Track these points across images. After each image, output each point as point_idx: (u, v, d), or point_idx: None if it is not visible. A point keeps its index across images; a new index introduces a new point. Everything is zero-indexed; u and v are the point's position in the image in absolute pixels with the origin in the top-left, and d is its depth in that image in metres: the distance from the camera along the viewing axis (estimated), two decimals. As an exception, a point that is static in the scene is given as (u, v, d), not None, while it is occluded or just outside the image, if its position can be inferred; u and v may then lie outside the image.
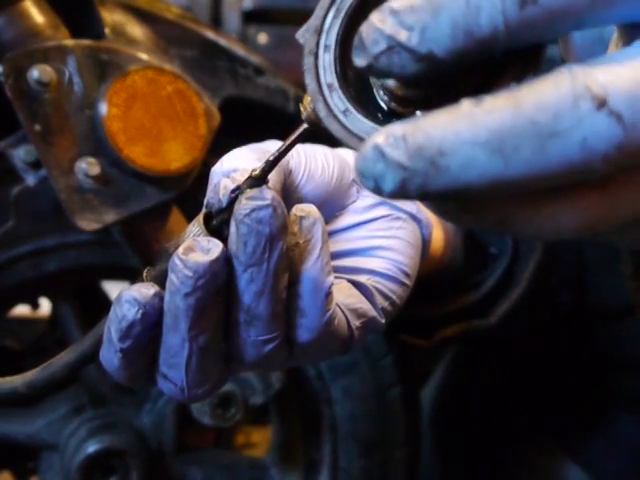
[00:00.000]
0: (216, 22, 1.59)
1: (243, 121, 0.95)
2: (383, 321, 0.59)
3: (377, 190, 0.36)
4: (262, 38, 1.61)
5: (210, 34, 0.90)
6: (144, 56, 0.83)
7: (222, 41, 0.91)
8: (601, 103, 0.33)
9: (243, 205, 0.48)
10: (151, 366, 0.53)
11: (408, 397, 1.01)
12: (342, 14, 0.40)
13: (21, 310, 1.24)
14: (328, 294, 0.52)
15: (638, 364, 0.92)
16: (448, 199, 0.37)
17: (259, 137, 1.00)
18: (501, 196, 0.37)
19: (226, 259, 0.49)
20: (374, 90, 0.41)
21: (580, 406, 1.00)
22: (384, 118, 0.39)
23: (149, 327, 0.50)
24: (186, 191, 0.86)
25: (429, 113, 0.35)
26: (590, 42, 0.43)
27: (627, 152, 0.34)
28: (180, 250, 0.48)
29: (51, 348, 1.16)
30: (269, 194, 0.48)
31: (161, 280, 0.51)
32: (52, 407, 0.98)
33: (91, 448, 0.96)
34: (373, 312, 0.58)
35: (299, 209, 0.52)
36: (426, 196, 0.36)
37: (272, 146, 0.58)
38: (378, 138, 0.35)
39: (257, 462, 1.10)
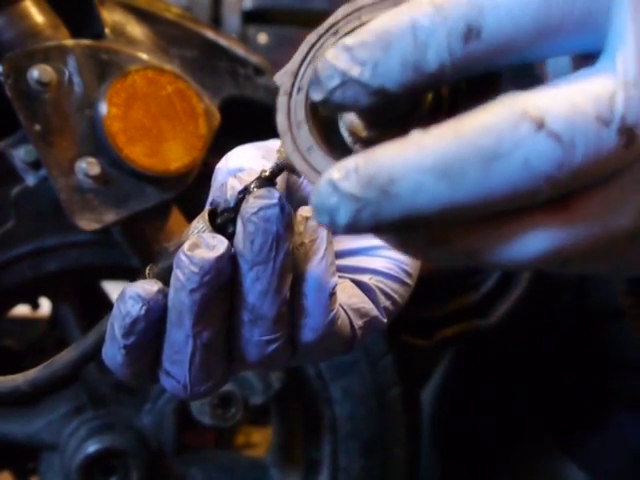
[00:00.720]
0: (216, 22, 1.59)
1: (243, 121, 0.95)
2: (385, 320, 0.59)
3: (332, 224, 0.37)
4: (262, 38, 1.61)
5: (210, 34, 0.90)
6: (144, 56, 0.83)
7: (222, 41, 0.91)
8: (540, 124, 0.35)
9: (251, 204, 0.48)
10: (154, 363, 0.53)
11: (408, 397, 1.01)
12: (317, 60, 0.42)
13: (21, 310, 1.24)
14: (332, 294, 0.53)
15: (638, 364, 0.92)
16: (403, 229, 0.38)
17: (259, 137, 1.00)
18: (459, 223, 0.38)
19: (231, 257, 0.49)
20: (341, 132, 0.43)
21: (580, 406, 1.00)
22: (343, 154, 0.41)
23: (153, 323, 0.51)
24: (186, 191, 0.86)
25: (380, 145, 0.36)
26: (560, 69, 0.45)
27: (569, 171, 0.35)
28: (186, 246, 0.48)
29: (51, 348, 1.16)
30: (276, 194, 0.48)
31: (163, 278, 0.51)
32: (52, 407, 0.98)
33: (91, 448, 0.96)
34: (375, 312, 0.58)
35: (305, 210, 0.53)
36: (380, 226, 0.36)
37: (275, 144, 0.58)
38: (332, 172, 0.36)
39: (257, 462, 1.10)
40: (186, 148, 0.84)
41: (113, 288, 1.26)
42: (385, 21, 0.37)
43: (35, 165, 0.85)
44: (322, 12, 1.59)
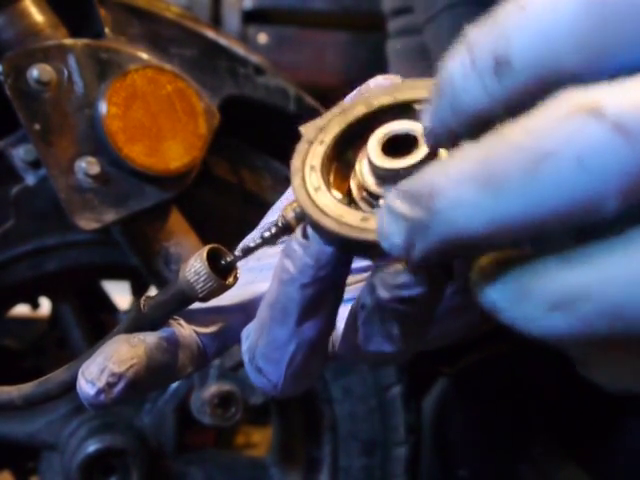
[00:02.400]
0: (216, 22, 1.59)
1: (243, 121, 0.95)
2: None
3: (391, 247, 0.34)
4: (262, 38, 1.61)
5: (210, 33, 0.90)
6: (144, 55, 0.83)
7: (222, 40, 0.91)
8: (597, 114, 0.28)
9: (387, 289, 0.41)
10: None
11: (408, 397, 1.01)
12: (345, 122, 0.45)
13: (21, 310, 1.24)
14: None
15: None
16: (456, 254, 0.34)
17: (259, 137, 1.00)
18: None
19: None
20: (351, 185, 0.45)
21: (587, 410, 1.00)
22: (348, 205, 0.42)
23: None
24: (186, 191, 0.86)
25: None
26: None
27: None
28: (299, 232, 0.42)
29: (51, 348, 1.16)
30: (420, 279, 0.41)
31: (159, 312, 0.48)
32: (52, 407, 0.98)
33: (91, 448, 0.96)
34: None
35: None
36: (432, 250, 0.33)
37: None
38: (390, 194, 0.33)
39: (257, 462, 1.10)
40: (186, 147, 0.84)
41: (113, 288, 1.27)
42: None
43: (35, 164, 0.85)
44: (322, 12, 1.60)
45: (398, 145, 0.42)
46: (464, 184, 0.31)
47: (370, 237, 0.39)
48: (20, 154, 0.85)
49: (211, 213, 0.95)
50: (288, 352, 0.46)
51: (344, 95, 0.50)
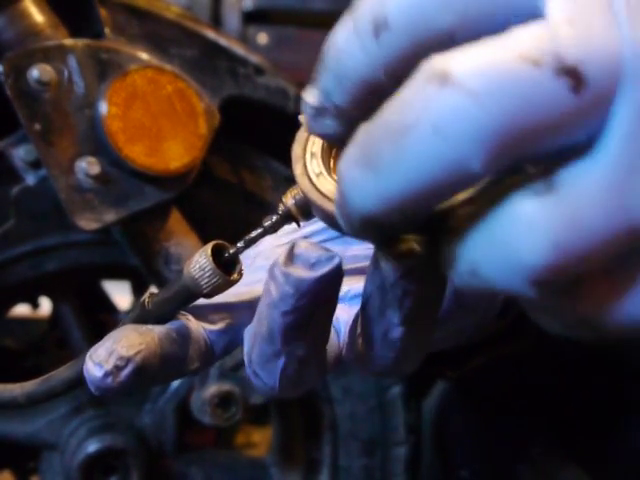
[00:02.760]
0: (216, 22, 1.59)
1: (243, 121, 0.95)
2: None
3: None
4: (262, 38, 1.61)
5: (210, 34, 0.90)
6: (144, 55, 0.84)
7: (222, 41, 0.91)
8: (444, 80, 0.28)
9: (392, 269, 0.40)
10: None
11: (408, 397, 1.01)
12: None
13: (21, 310, 1.24)
14: None
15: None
16: (374, 235, 0.36)
17: (259, 137, 1.00)
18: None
19: (338, 276, 0.41)
20: None
21: (588, 411, 1.00)
22: None
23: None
24: (186, 191, 0.86)
25: None
26: None
27: (502, 135, 0.28)
28: (282, 258, 0.40)
29: (51, 348, 1.16)
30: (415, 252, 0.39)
31: (163, 309, 0.48)
32: (52, 407, 0.98)
33: (91, 448, 0.96)
34: None
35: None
36: (359, 234, 0.36)
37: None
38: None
39: (257, 462, 1.10)
40: (186, 148, 0.84)
41: (113, 288, 1.27)
42: None
43: (35, 164, 0.85)
44: (322, 12, 1.59)
45: None
46: (351, 168, 0.32)
47: None
48: (20, 154, 0.85)
49: (211, 213, 0.95)
50: (279, 366, 0.45)
51: None
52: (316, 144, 0.44)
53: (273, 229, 0.46)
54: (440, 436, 1.15)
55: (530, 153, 0.30)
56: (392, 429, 1.01)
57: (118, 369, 0.44)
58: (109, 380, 0.44)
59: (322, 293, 0.41)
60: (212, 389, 0.96)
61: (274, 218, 0.46)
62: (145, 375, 0.46)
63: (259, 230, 0.46)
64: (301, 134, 0.45)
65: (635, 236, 0.30)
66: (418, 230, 0.37)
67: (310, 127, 0.38)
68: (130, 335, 0.46)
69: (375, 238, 0.37)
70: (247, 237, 0.47)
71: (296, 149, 0.44)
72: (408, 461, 1.02)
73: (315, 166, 0.43)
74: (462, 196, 0.33)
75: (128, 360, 0.44)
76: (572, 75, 0.28)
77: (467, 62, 0.29)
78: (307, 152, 0.44)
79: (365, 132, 0.32)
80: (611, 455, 0.97)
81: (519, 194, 0.30)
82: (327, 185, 0.42)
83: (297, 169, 0.43)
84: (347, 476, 1.01)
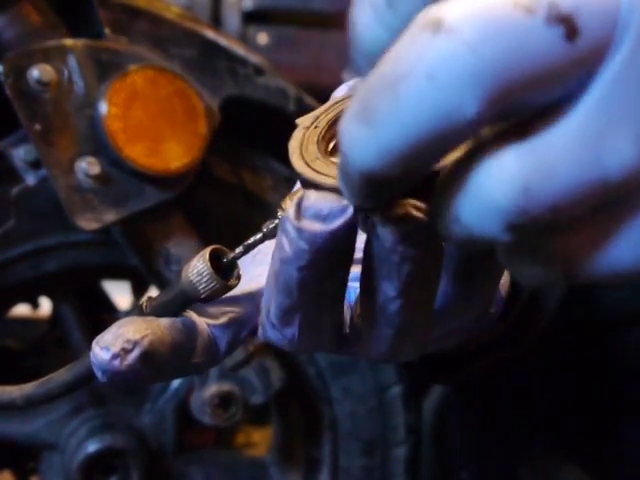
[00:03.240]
0: (216, 22, 1.59)
1: (243, 121, 0.95)
2: None
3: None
4: (262, 38, 1.61)
5: (210, 33, 0.90)
6: (144, 55, 0.84)
7: (222, 41, 0.91)
8: (437, 27, 0.28)
9: (388, 230, 0.39)
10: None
11: (408, 396, 1.01)
12: (339, 110, 0.46)
13: (21, 310, 1.24)
14: None
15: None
16: (373, 196, 0.35)
17: (259, 137, 1.00)
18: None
19: (353, 226, 0.39)
20: None
21: (587, 412, 1.00)
22: None
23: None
24: (186, 191, 0.86)
25: None
26: None
27: (499, 81, 0.28)
28: (292, 210, 0.38)
29: (51, 348, 1.16)
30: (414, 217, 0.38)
31: (162, 313, 0.48)
32: (52, 407, 0.98)
33: (91, 448, 0.96)
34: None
35: None
36: (360, 197, 0.35)
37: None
38: None
39: (257, 461, 1.10)
40: (186, 148, 0.84)
41: (113, 288, 1.27)
42: None
43: (35, 164, 0.85)
44: (322, 12, 1.60)
45: None
46: (350, 123, 0.31)
47: None
48: (20, 154, 0.85)
49: (211, 213, 0.95)
50: (296, 317, 0.44)
51: None
52: (311, 138, 0.44)
53: (272, 234, 0.46)
54: (440, 437, 1.15)
55: (522, 101, 0.30)
56: (392, 429, 1.01)
57: (125, 352, 0.44)
58: (116, 363, 0.44)
59: (338, 246, 0.39)
60: (212, 389, 0.96)
61: (273, 223, 0.45)
62: (152, 361, 0.45)
63: (258, 235, 0.46)
64: (297, 133, 0.45)
65: (609, 188, 0.30)
66: (415, 193, 0.37)
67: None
68: (136, 321, 0.46)
69: (374, 200, 0.36)
70: (246, 243, 0.46)
71: (292, 143, 0.45)
72: (408, 461, 1.02)
73: (312, 154, 0.43)
74: (453, 156, 0.34)
75: (135, 343, 0.44)
76: (566, 23, 0.28)
77: (461, 9, 0.29)
78: (303, 145, 0.44)
79: (363, 86, 0.31)
80: (611, 455, 0.97)
81: (497, 146, 0.31)
82: (324, 168, 0.42)
83: (293, 158, 0.43)
84: (347, 476, 1.01)
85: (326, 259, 0.40)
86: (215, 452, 1.13)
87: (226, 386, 0.96)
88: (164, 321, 0.47)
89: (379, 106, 0.30)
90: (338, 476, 1.02)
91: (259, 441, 1.37)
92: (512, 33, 0.28)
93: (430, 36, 0.29)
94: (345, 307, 0.48)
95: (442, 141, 0.31)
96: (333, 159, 0.43)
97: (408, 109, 0.29)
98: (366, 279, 0.43)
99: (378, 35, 0.34)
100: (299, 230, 0.38)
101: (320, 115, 0.47)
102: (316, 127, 0.46)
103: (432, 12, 0.29)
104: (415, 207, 0.38)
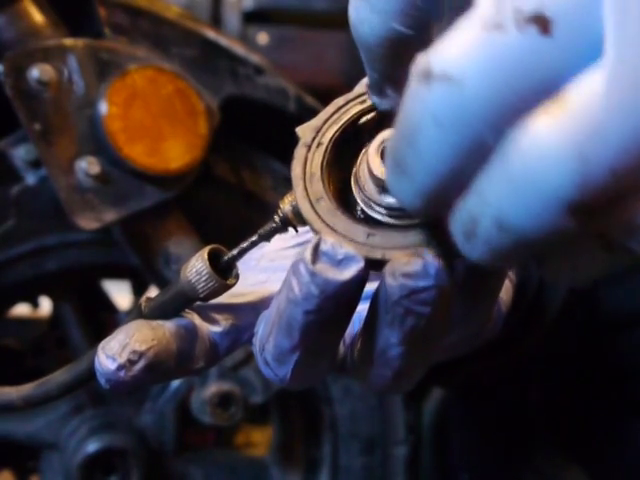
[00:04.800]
0: (216, 22, 1.59)
1: (243, 121, 0.95)
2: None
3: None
4: (262, 38, 1.61)
5: (210, 33, 0.90)
6: (144, 55, 0.84)
7: (222, 40, 0.91)
8: (427, 75, 0.30)
9: (400, 284, 0.38)
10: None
11: (408, 396, 1.01)
12: (341, 123, 0.46)
13: (21, 310, 1.24)
14: None
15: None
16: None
17: (259, 137, 1.00)
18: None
19: (363, 279, 0.40)
20: (354, 193, 0.45)
21: (590, 412, 0.99)
22: (350, 215, 0.43)
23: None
24: (186, 190, 0.86)
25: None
26: None
27: (490, 105, 0.29)
28: (308, 254, 0.39)
29: (51, 348, 1.16)
30: (433, 269, 0.38)
31: (160, 314, 0.48)
32: (52, 406, 0.98)
33: (91, 447, 0.96)
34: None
35: None
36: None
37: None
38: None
39: (257, 461, 1.10)
40: (186, 147, 0.84)
41: (113, 288, 1.27)
42: None
43: (35, 164, 0.85)
44: (322, 12, 1.60)
45: None
46: (390, 177, 0.35)
47: (377, 255, 0.40)
48: (20, 154, 0.85)
49: (211, 213, 0.95)
50: (292, 358, 0.44)
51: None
52: (315, 163, 0.44)
53: (269, 237, 0.46)
54: (440, 440, 1.15)
55: (532, 100, 0.29)
56: (392, 428, 1.01)
57: (131, 363, 0.44)
58: (122, 374, 0.44)
59: (346, 295, 0.40)
60: (212, 389, 0.96)
61: (270, 226, 0.46)
62: (155, 371, 0.46)
63: (254, 237, 0.46)
64: (299, 151, 0.45)
65: None
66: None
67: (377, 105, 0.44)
68: (142, 329, 0.46)
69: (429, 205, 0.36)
70: (244, 243, 0.47)
71: (295, 169, 0.44)
72: (408, 460, 1.02)
73: (316, 189, 0.43)
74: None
75: (141, 355, 0.45)
76: (536, 21, 0.28)
77: (443, 53, 0.30)
78: (306, 173, 0.44)
79: (390, 142, 0.34)
80: (613, 456, 0.97)
81: (529, 124, 0.29)
82: (329, 214, 0.42)
83: (298, 192, 0.43)
84: (347, 475, 1.01)
85: (333, 307, 0.40)
86: (215, 452, 1.13)
87: (226, 386, 0.96)
88: (169, 326, 0.47)
89: (406, 157, 0.33)
90: (338, 475, 1.02)
91: (259, 441, 1.37)
92: (493, 57, 0.29)
93: (426, 86, 0.30)
94: (347, 332, 0.48)
95: (470, 167, 0.32)
96: (339, 208, 0.42)
97: (429, 154, 0.32)
98: (371, 320, 0.43)
99: (374, 24, 0.37)
100: (313, 274, 0.39)
101: (322, 126, 0.46)
102: (319, 145, 0.45)
103: (421, 62, 0.31)
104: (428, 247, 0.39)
